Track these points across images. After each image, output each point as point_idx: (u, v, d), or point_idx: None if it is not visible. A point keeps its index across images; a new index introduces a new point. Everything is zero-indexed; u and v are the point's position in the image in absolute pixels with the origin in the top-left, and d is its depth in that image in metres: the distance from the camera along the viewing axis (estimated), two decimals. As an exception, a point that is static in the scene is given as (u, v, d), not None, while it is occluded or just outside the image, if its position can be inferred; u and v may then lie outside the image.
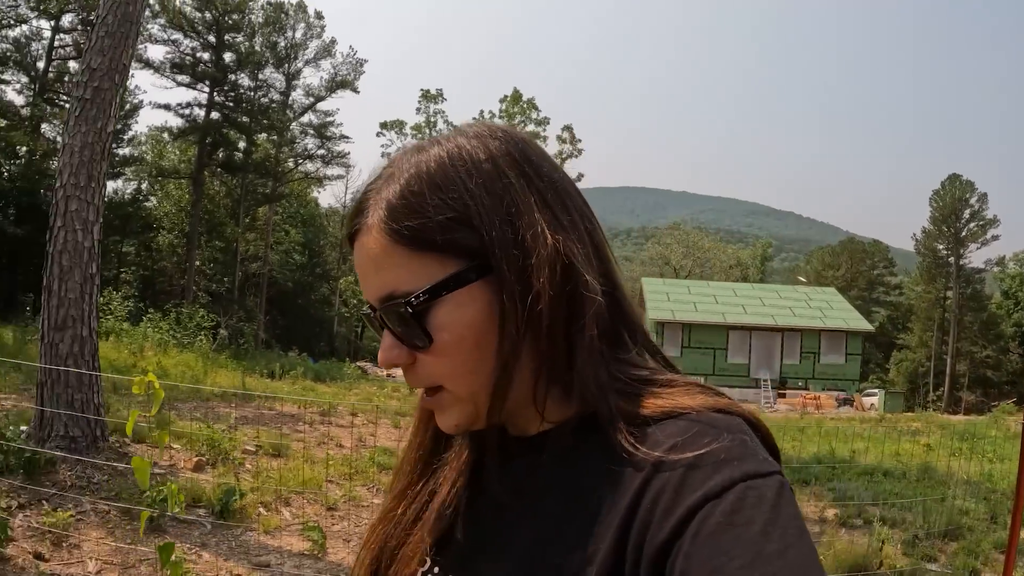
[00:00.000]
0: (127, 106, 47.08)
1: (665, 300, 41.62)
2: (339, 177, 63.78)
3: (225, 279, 53.75)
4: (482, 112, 54.84)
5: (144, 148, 54.64)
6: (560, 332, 0.91)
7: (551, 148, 61.25)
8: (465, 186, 0.92)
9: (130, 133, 51.09)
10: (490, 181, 0.92)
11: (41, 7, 42.49)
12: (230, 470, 8.99)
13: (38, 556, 6.28)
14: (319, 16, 56.35)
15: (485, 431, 1.01)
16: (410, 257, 0.91)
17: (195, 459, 9.15)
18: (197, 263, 50.78)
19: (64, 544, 6.57)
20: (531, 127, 53.78)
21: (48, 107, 44.77)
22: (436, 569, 1.01)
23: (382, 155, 55.12)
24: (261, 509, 8.07)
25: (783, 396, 36.14)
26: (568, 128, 52.87)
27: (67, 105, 43.58)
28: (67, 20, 44.84)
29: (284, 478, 9.44)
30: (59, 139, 44.46)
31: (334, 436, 13.70)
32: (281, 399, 16.99)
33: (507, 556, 0.93)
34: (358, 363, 44.34)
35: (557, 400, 0.94)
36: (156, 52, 49.84)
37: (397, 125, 56.28)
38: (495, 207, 0.91)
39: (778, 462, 0.83)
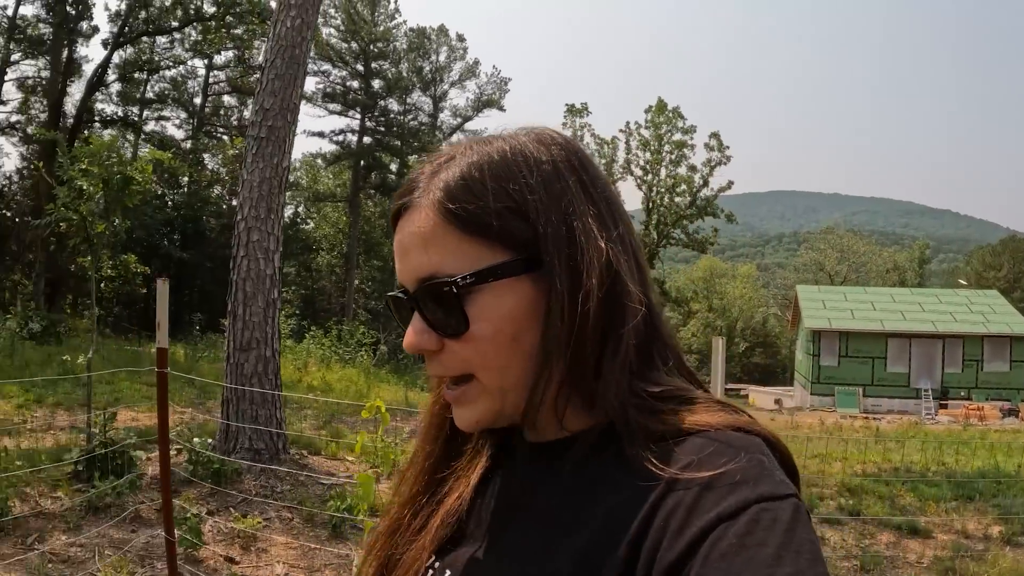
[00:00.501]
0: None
1: (821, 308, 40.21)
2: (489, 194, 63.49)
3: (384, 296, 54.67)
4: (628, 124, 54.35)
5: (299, 174, 56.26)
6: (597, 338, 0.92)
7: (699, 156, 60.12)
8: (526, 180, 0.94)
9: (287, 163, 52.83)
10: (549, 181, 0.95)
11: (196, 48, 44.59)
12: (403, 480, 9.30)
13: (229, 559, 6.73)
14: (461, 38, 56.94)
15: (508, 432, 1.06)
16: (460, 239, 0.92)
17: (370, 470, 9.38)
18: (356, 282, 51.94)
19: (252, 548, 7.00)
20: (677, 136, 52.62)
21: (207, 139, 46.82)
22: (437, 564, 1.03)
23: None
24: (433, 518, 8.40)
25: (944, 407, 34.27)
26: (715, 135, 51.74)
27: (224, 137, 45.71)
28: (220, 58, 46.83)
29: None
30: (219, 169, 46.56)
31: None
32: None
33: (512, 557, 0.94)
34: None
35: (577, 408, 0.95)
36: (308, 83, 51.25)
37: (544, 141, 55.85)
38: (553, 205, 0.93)
39: (796, 484, 0.85)
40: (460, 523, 1.04)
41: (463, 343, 0.92)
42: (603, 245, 0.93)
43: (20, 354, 19.25)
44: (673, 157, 52.65)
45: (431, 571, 1.02)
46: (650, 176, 53.14)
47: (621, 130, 54.43)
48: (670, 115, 53.42)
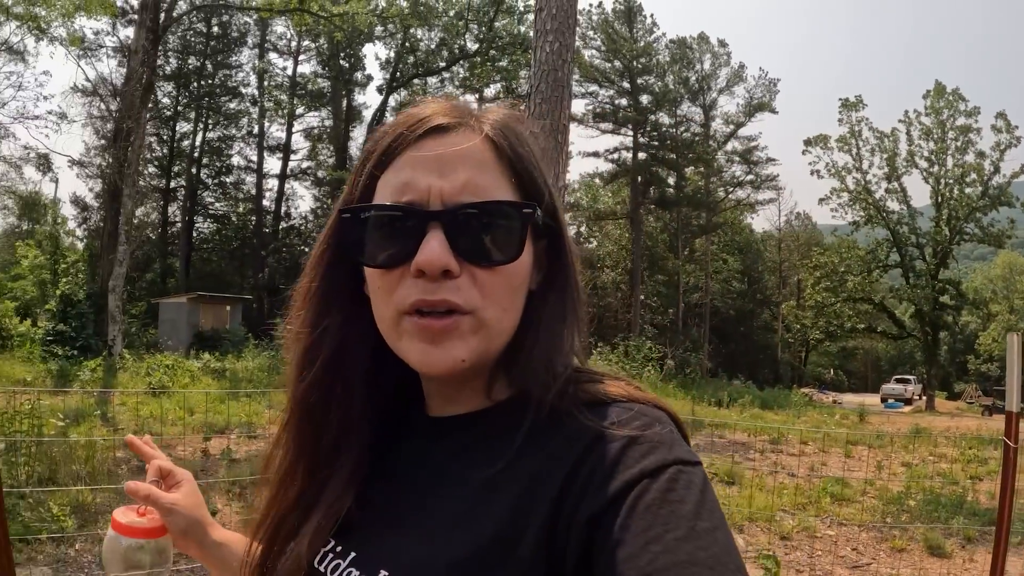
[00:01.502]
0: (554, 158, 51.44)
1: None
2: (771, 201, 62.99)
3: (669, 310, 54.93)
4: (906, 112, 52.18)
5: (579, 195, 57.20)
6: (564, 310, 1.00)
7: (986, 140, 56.86)
8: (539, 151, 1.00)
9: (562, 182, 54.39)
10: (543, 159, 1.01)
11: (465, 84, 47.94)
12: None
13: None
14: (723, 44, 56.69)
15: (399, 413, 1.09)
16: (508, 178, 0.94)
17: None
18: (641, 297, 52.23)
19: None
20: (961, 120, 50.34)
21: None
22: (339, 548, 1.00)
23: (811, 173, 53.72)
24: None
25: None
26: (1001, 115, 48.82)
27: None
28: (489, 91, 49.10)
29: (738, 505, 9.58)
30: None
31: (785, 465, 13.57)
32: (730, 427, 17.16)
33: (432, 531, 0.92)
34: (804, 390, 43.69)
35: (503, 379, 0.98)
36: (577, 106, 52.38)
37: (821, 140, 54.02)
38: (554, 187, 1.00)
39: None
40: (356, 511, 1.01)
41: (492, 273, 0.92)
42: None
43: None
44: (959, 144, 50.10)
45: (332, 555, 0.99)
46: (936, 167, 50.71)
47: (900, 120, 52.36)
48: (950, 98, 51.03)
